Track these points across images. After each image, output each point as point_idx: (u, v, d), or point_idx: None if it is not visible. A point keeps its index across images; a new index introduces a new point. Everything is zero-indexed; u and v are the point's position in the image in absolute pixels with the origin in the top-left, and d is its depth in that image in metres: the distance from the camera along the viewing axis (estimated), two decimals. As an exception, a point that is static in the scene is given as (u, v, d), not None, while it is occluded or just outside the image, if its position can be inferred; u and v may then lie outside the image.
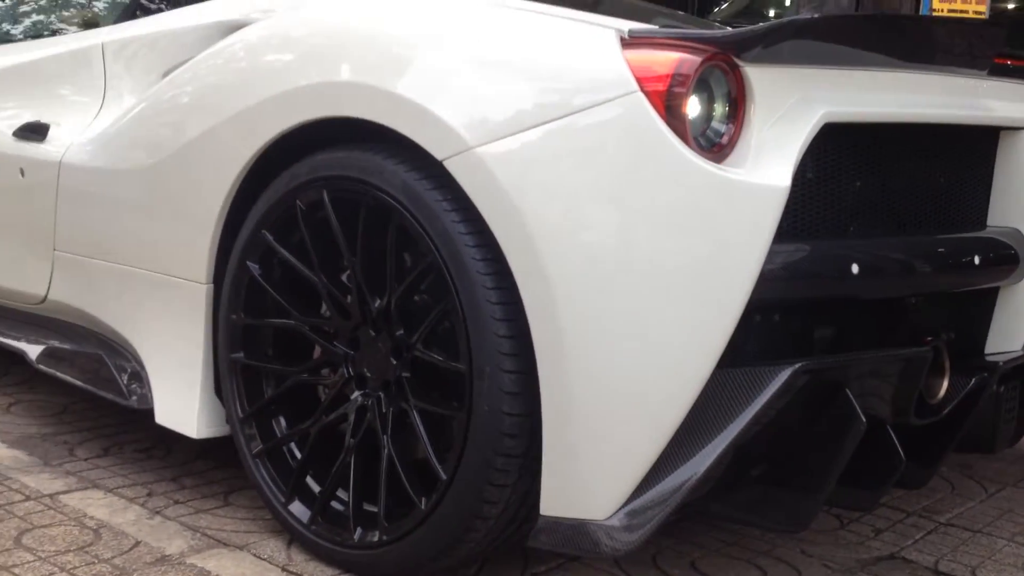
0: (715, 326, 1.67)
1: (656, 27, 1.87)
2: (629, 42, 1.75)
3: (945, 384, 2.03)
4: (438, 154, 1.84)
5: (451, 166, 1.82)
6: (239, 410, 2.19)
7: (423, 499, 1.91)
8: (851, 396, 1.79)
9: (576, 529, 1.76)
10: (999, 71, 2.13)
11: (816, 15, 1.82)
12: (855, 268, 1.82)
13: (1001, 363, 2.11)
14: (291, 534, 2.11)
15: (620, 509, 1.73)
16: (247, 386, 2.20)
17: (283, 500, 2.12)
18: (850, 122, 1.84)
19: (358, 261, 1.99)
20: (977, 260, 2.05)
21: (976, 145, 2.15)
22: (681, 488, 1.71)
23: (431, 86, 1.86)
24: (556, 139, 1.74)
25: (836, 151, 1.87)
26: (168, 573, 1.93)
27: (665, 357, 1.69)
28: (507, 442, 1.79)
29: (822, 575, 2.14)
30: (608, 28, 1.78)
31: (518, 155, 1.76)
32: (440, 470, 1.87)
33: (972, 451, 2.37)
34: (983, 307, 2.20)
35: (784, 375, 1.69)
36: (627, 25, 1.80)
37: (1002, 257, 2.13)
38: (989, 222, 2.21)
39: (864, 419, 1.78)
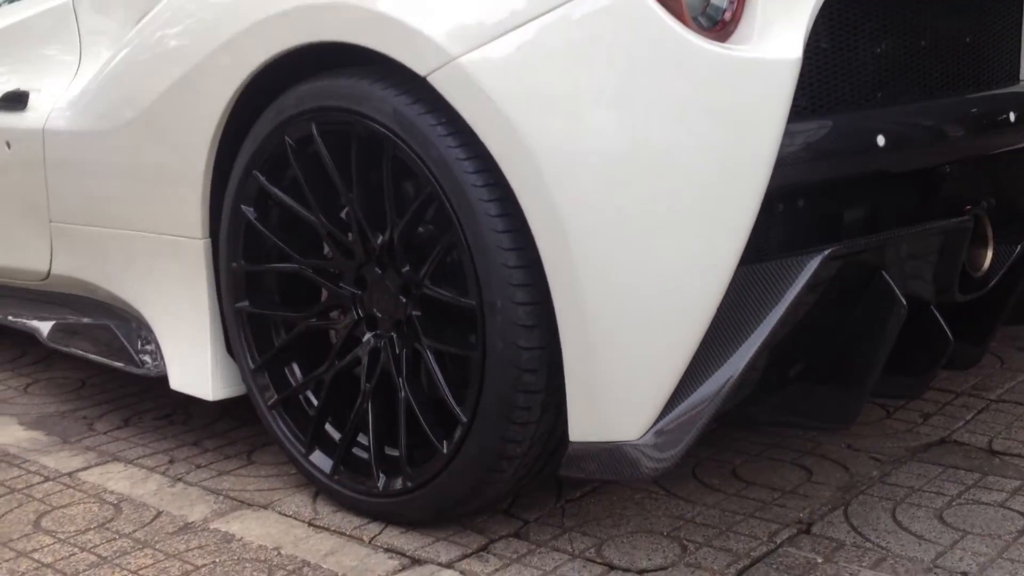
0: (734, 220, 1.54)
1: None
2: None
3: (989, 255, 1.89)
4: (420, 69, 1.71)
5: (436, 81, 1.69)
6: (250, 361, 2.10)
7: (445, 442, 1.82)
8: (889, 279, 1.66)
9: (610, 453, 1.65)
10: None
11: None
12: (881, 140, 1.67)
13: (1049, 227, 1.97)
14: (316, 486, 2.03)
15: (653, 426, 1.62)
16: (256, 336, 2.10)
17: (303, 451, 2.04)
18: (862, -18, 1.69)
19: (355, 197, 1.87)
20: (1012, 117, 1.90)
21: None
22: (715, 397, 1.60)
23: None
24: (545, 37, 1.60)
25: (851, 14, 1.72)
26: (191, 541, 1.86)
27: (684, 259, 1.56)
28: (526, 377, 1.69)
29: (871, 468, 2.04)
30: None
31: (506, 60, 1.62)
32: (459, 412, 1.77)
33: (1022, 322, 2.24)
34: (1022, 170, 2.05)
35: (814, 264, 1.56)
36: None
37: (1041, 113, 1.98)
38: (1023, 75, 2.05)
39: (905, 302, 1.65)
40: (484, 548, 1.81)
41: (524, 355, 1.68)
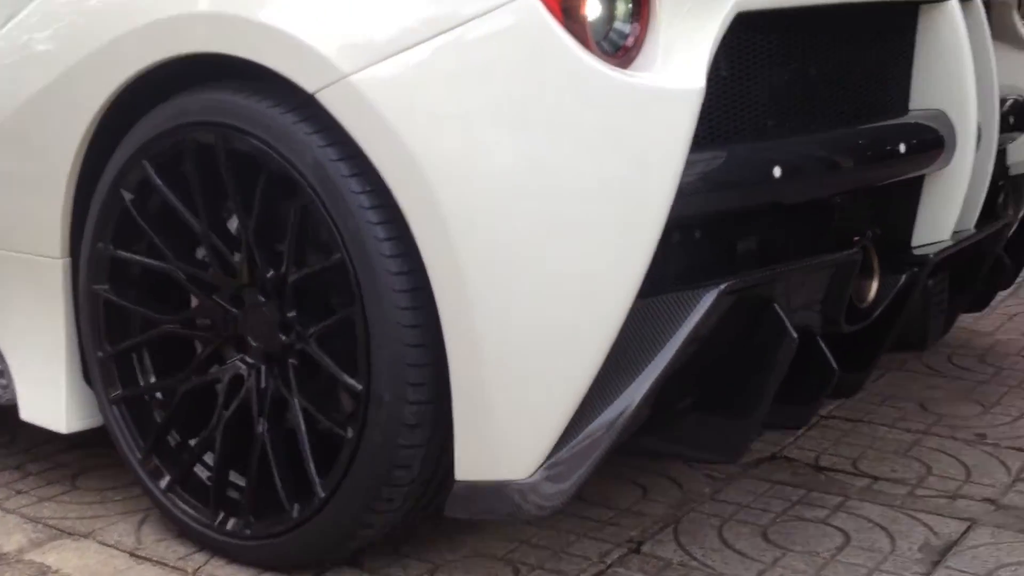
0: (633, 252, 1.50)
1: None
2: None
3: (875, 286, 1.90)
4: (308, 86, 1.61)
5: (324, 99, 1.60)
6: (99, 349, 1.96)
7: (296, 505, 1.76)
8: (780, 311, 1.65)
9: (497, 492, 1.59)
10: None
11: None
12: (777, 171, 1.65)
13: (931, 256, 1.98)
14: (147, 496, 1.93)
15: (544, 464, 1.57)
16: (110, 325, 1.96)
17: (140, 457, 1.93)
18: (764, 9, 1.66)
19: (246, 215, 1.76)
20: (903, 148, 1.90)
21: (895, 23, 1.98)
22: (608, 433, 1.56)
23: (296, 8, 1.62)
24: (443, 56, 1.52)
25: (750, 43, 1.69)
26: (5, 573, 1.75)
27: (581, 291, 1.51)
28: (398, 472, 1.66)
29: (704, 485, 2.08)
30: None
31: (401, 79, 1.54)
32: (318, 485, 1.71)
33: (903, 349, 2.27)
34: (909, 197, 2.06)
35: (709, 299, 1.54)
36: None
37: (927, 142, 1.98)
38: (912, 105, 2.06)
39: (795, 335, 1.64)
40: (316, 576, 1.75)
41: (402, 451, 1.63)
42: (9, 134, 2.02)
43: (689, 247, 1.65)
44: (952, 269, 2.23)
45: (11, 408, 2.09)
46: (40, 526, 1.93)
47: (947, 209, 2.07)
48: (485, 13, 1.51)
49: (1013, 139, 2.46)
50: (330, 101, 1.59)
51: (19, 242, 2.06)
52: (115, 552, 1.84)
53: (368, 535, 1.76)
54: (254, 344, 1.82)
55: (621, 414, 1.55)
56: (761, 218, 1.75)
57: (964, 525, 1.93)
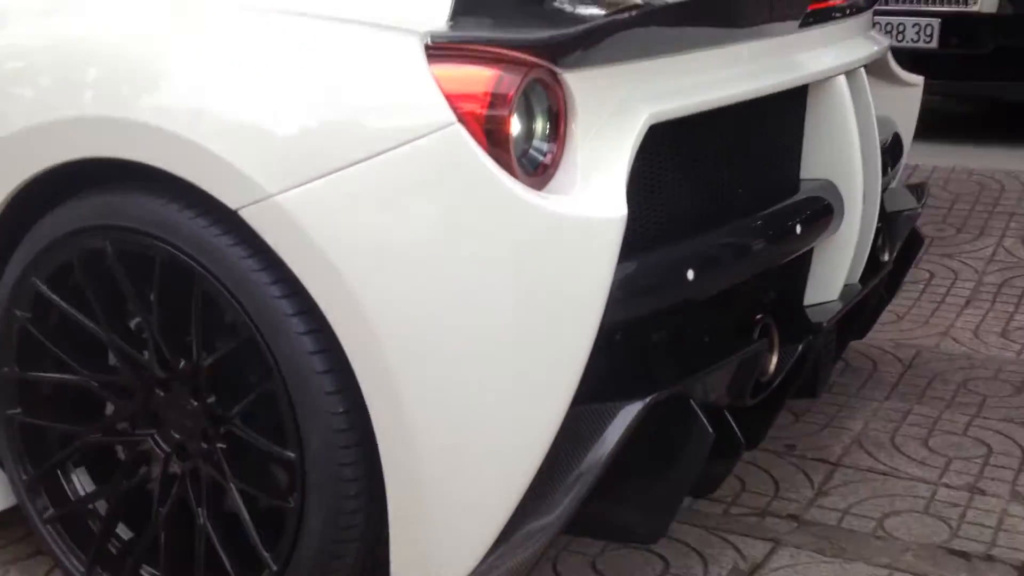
0: (561, 373, 1.55)
1: (463, 31, 1.62)
2: (435, 51, 1.55)
3: (775, 360, 2.00)
4: (231, 203, 1.60)
5: (248, 216, 1.59)
6: (22, 473, 1.94)
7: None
8: (696, 409, 1.73)
9: (431, 592, 1.65)
10: (809, 22, 2.04)
11: (634, 12, 1.65)
12: (690, 274, 1.73)
13: (824, 323, 2.10)
14: None
15: (477, 567, 1.63)
16: (29, 446, 1.94)
17: (83, 569, 1.91)
18: (674, 118, 1.72)
19: (155, 320, 1.75)
20: (799, 229, 2.01)
21: (788, 105, 2.07)
22: (540, 534, 1.62)
23: (217, 124, 1.60)
24: (371, 180, 1.53)
25: (659, 151, 1.75)
26: None
27: (511, 411, 1.56)
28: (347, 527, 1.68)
29: None
30: (407, 38, 1.56)
31: (324, 202, 1.55)
32: (270, 560, 1.72)
33: (797, 398, 2.40)
34: (801, 262, 2.18)
35: (636, 410, 1.61)
36: (431, 22, 1.58)
37: (819, 214, 2.10)
38: (803, 175, 2.16)
39: (711, 431, 1.73)
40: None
41: (345, 515, 1.66)
42: None
43: (611, 352, 1.71)
44: (840, 320, 2.36)
45: None
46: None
47: (836, 270, 2.19)
48: (411, 140, 1.52)
49: (892, 178, 2.61)
50: (253, 219, 1.59)
51: None
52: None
53: None
54: (178, 437, 1.81)
55: (551, 521, 1.61)
56: (680, 316, 1.83)
57: (768, 547, 2.08)
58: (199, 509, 1.79)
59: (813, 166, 2.15)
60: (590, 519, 1.82)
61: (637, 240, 1.70)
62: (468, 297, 1.52)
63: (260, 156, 1.58)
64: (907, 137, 2.89)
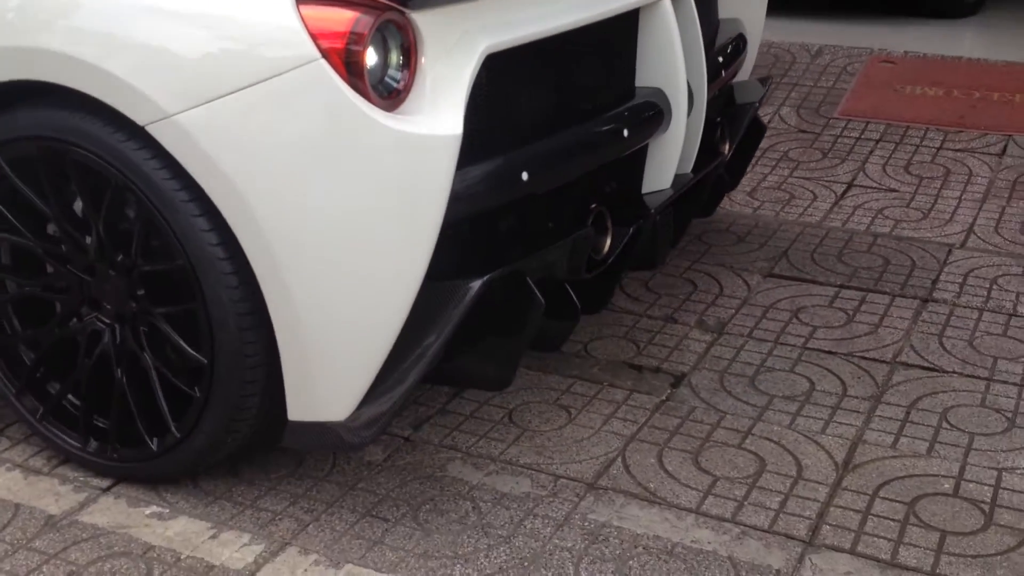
0: (414, 255, 1.96)
1: None
2: None
3: (609, 241, 2.42)
4: (140, 121, 1.97)
5: (155, 131, 1.96)
6: None
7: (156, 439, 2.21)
8: (531, 283, 2.15)
9: (321, 430, 2.08)
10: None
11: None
12: (525, 175, 2.13)
13: (653, 209, 2.52)
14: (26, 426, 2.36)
15: (357, 409, 2.06)
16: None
17: (14, 391, 2.34)
18: (508, 48, 2.08)
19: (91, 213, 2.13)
20: (631, 129, 2.41)
21: (621, 28, 2.44)
22: (404, 383, 2.05)
23: (126, 54, 1.95)
24: (252, 104, 1.90)
25: (497, 73, 2.12)
26: None
27: (374, 287, 1.98)
28: (248, 380, 2.09)
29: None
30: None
31: (216, 122, 1.92)
32: (174, 428, 2.16)
33: (639, 268, 2.83)
34: (638, 157, 2.58)
35: (476, 287, 2.03)
36: None
37: (648, 117, 2.50)
38: (637, 84, 2.55)
39: (543, 300, 2.15)
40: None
41: (248, 361, 2.07)
42: None
43: (461, 239, 2.12)
44: (676, 201, 2.78)
45: None
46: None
47: (667, 163, 2.61)
48: (284, 72, 1.89)
49: (729, 78, 3.00)
50: (159, 134, 1.96)
51: None
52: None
53: (215, 459, 2.22)
54: (107, 307, 2.21)
55: (413, 371, 2.05)
56: (519, 208, 2.23)
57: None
58: (117, 368, 2.20)
59: (646, 76, 2.54)
60: (452, 371, 2.26)
61: (480, 149, 2.09)
62: (333, 198, 1.92)
63: (161, 81, 1.94)
64: (754, 39, 3.28)
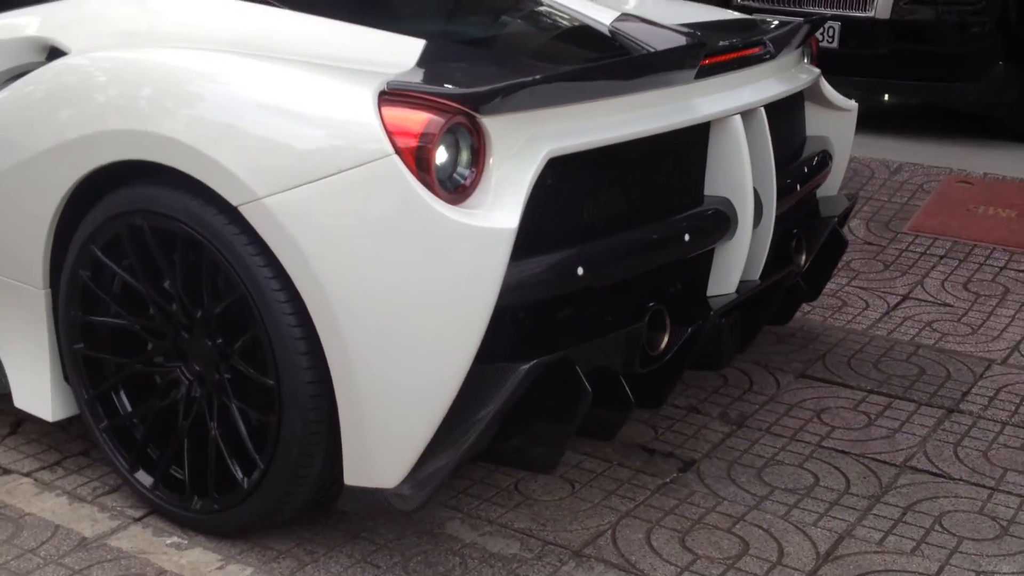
0: (465, 338, 2.12)
1: (413, 79, 2.20)
2: (388, 95, 2.12)
3: (666, 338, 2.53)
4: (233, 201, 2.20)
5: (245, 212, 2.19)
6: (84, 392, 2.59)
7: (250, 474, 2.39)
8: (580, 373, 2.28)
9: (372, 495, 2.24)
10: (705, 73, 2.55)
11: (542, 74, 2.21)
12: (580, 271, 2.28)
13: (712, 312, 2.63)
14: (140, 500, 2.58)
15: (406, 478, 2.21)
16: (90, 372, 2.58)
17: (128, 467, 2.56)
18: (572, 152, 2.26)
19: (179, 283, 2.37)
20: (693, 234, 2.54)
21: (690, 139, 2.59)
22: (453, 457, 2.20)
23: (225, 140, 2.20)
24: (326, 192, 2.13)
25: (562, 175, 2.29)
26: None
27: (429, 364, 2.14)
28: (311, 440, 2.27)
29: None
30: (365, 88, 2.13)
31: (299, 206, 2.14)
32: (259, 460, 2.33)
33: (702, 369, 2.93)
34: (704, 260, 2.70)
35: (523, 371, 2.17)
36: (389, 74, 2.15)
37: (714, 225, 2.63)
38: (706, 192, 2.68)
39: (590, 390, 2.28)
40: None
41: (311, 427, 2.24)
42: (4, 188, 2.59)
43: (516, 324, 2.27)
44: (746, 305, 2.87)
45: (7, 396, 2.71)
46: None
47: (732, 269, 2.71)
48: (362, 164, 2.10)
49: (805, 192, 3.10)
50: (249, 214, 2.19)
51: (11, 271, 2.65)
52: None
53: (297, 500, 2.36)
54: (198, 368, 2.43)
55: (461, 446, 2.19)
56: (575, 299, 2.37)
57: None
58: (211, 423, 2.41)
59: (714, 185, 2.67)
60: (504, 452, 2.40)
61: (538, 244, 2.25)
62: (395, 280, 2.11)
63: (254, 167, 2.17)
64: (842, 154, 3.38)
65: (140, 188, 2.38)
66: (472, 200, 2.16)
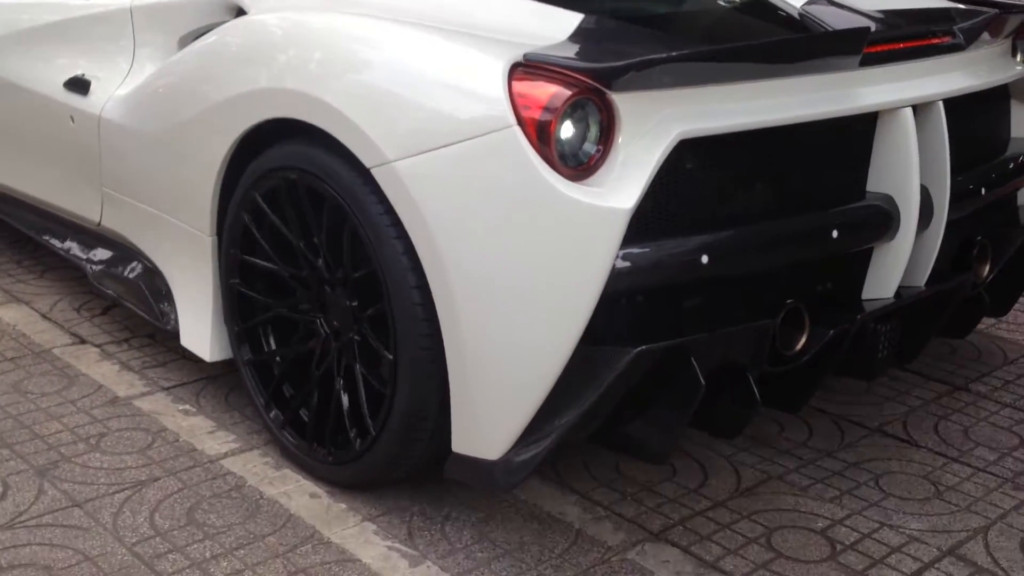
0: (571, 317, 2.08)
1: (551, 52, 2.15)
2: (523, 67, 2.11)
3: (803, 338, 2.39)
4: (367, 163, 2.26)
5: (376, 174, 2.24)
6: (236, 325, 2.74)
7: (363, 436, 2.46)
8: (695, 364, 2.19)
9: (475, 464, 2.25)
10: (873, 60, 2.39)
11: (678, 52, 2.13)
12: (704, 259, 2.19)
13: (858, 317, 2.46)
14: (270, 434, 2.72)
15: (508, 452, 2.21)
16: (242, 307, 2.72)
17: (263, 402, 2.68)
18: (708, 135, 2.17)
19: (323, 240, 2.46)
20: (843, 231, 2.39)
21: (850, 129, 2.43)
22: (552, 436, 2.17)
23: (364, 103, 2.26)
24: (453, 160, 2.14)
25: (697, 158, 2.21)
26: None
27: (534, 339, 2.12)
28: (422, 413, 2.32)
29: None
30: (498, 59, 2.12)
31: (424, 171, 2.17)
32: (371, 426, 2.39)
33: (852, 377, 2.75)
34: (859, 261, 2.53)
35: (631, 355, 2.11)
36: (534, 45, 2.15)
37: (871, 223, 2.46)
38: (868, 188, 2.51)
39: (703, 382, 2.18)
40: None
41: (426, 386, 2.28)
42: (177, 139, 2.78)
43: (635, 308, 2.22)
44: (909, 315, 2.67)
45: (175, 333, 2.96)
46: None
47: (890, 273, 2.53)
48: (485, 134, 2.10)
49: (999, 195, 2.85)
50: (380, 177, 2.24)
51: (185, 217, 2.83)
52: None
53: (406, 466, 2.43)
54: (335, 323, 2.51)
55: (562, 426, 2.16)
56: (700, 288, 2.28)
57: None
58: (337, 378, 2.49)
59: (878, 181, 2.49)
60: (618, 436, 2.35)
61: (661, 228, 2.18)
62: (507, 250, 2.10)
63: (386, 131, 2.22)
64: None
65: (297, 146, 2.47)
66: (595, 178, 2.11)
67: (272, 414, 2.68)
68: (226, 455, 2.69)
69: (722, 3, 2.91)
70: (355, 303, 2.44)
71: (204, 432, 2.80)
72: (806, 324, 2.41)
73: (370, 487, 2.53)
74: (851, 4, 2.71)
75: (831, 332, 2.43)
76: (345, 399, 2.50)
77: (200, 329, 2.85)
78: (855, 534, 2.46)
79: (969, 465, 2.74)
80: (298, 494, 2.53)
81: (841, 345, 2.46)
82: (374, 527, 2.41)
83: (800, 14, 2.62)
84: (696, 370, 2.20)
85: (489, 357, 2.17)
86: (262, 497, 2.51)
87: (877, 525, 2.48)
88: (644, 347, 2.12)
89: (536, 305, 2.10)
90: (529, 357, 2.14)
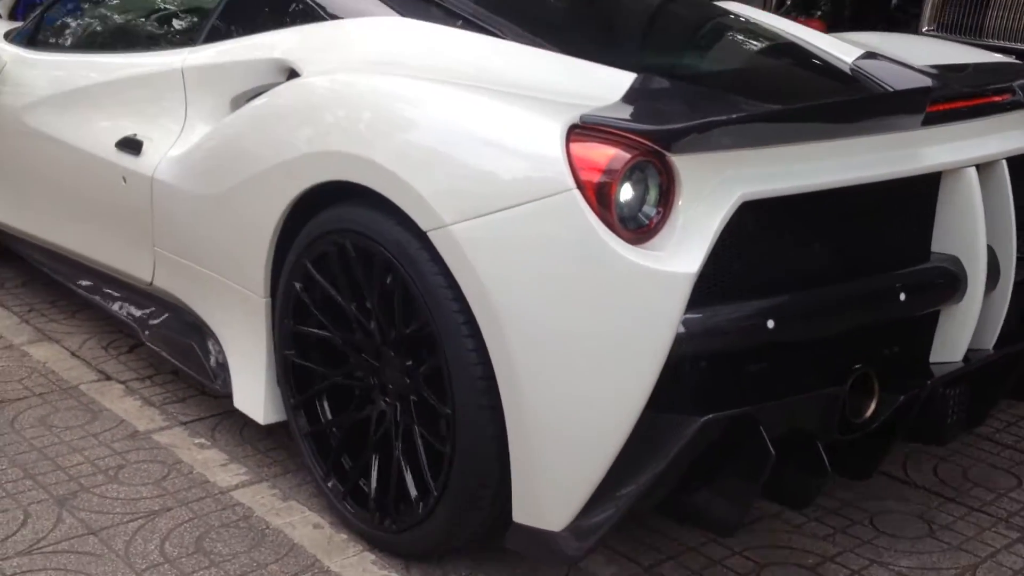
0: (636, 381, 2.03)
1: (608, 114, 2.12)
2: (580, 128, 2.08)
3: (873, 405, 2.32)
4: (423, 226, 2.23)
5: (433, 237, 2.21)
6: (292, 398, 2.70)
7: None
8: (763, 433, 2.12)
9: (537, 535, 2.19)
10: (936, 120, 2.33)
11: (738, 114, 2.09)
12: (771, 324, 2.13)
13: (929, 382, 2.39)
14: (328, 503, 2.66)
15: (573, 522, 2.15)
16: (298, 378, 2.69)
17: (322, 474, 2.64)
18: (771, 197, 2.12)
19: (376, 303, 2.42)
20: (910, 293, 2.33)
21: (914, 190, 2.37)
22: (622, 506, 2.11)
23: (420, 167, 2.23)
24: (512, 223, 2.10)
25: (761, 220, 2.16)
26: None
27: (598, 408, 2.07)
28: (482, 472, 2.26)
29: None
30: (555, 121, 2.09)
31: (482, 235, 2.13)
32: (432, 486, 2.34)
33: (922, 442, 2.67)
34: (926, 323, 2.47)
35: (698, 425, 2.05)
36: (589, 106, 2.11)
37: (938, 285, 2.40)
38: (934, 248, 2.45)
39: (773, 452, 2.12)
40: None
41: (484, 459, 2.22)
42: (230, 202, 2.77)
43: (698, 374, 2.15)
44: (978, 379, 2.59)
45: (227, 395, 2.94)
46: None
47: (958, 335, 2.46)
48: (544, 197, 2.07)
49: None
50: (436, 240, 2.20)
51: (238, 279, 2.81)
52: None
53: (468, 529, 2.35)
54: (390, 386, 2.47)
55: (628, 497, 2.10)
56: (766, 354, 2.22)
57: None
58: (396, 443, 2.44)
59: (943, 242, 2.43)
60: (684, 506, 2.28)
61: (726, 292, 2.13)
62: (569, 314, 2.05)
63: (443, 194, 2.19)
64: None
65: (348, 208, 2.46)
66: (655, 241, 2.07)
67: (331, 484, 2.63)
68: (236, 487, 2.78)
69: (772, 60, 2.87)
70: (410, 362, 2.40)
71: (217, 465, 2.88)
72: (875, 390, 2.34)
73: (434, 553, 2.46)
74: (903, 59, 2.67)
75: (901, 398, 2.36)
76: (404, 466, 2.44)
77: (254, 391, 2.82)
78: (844, 571, 2.49)
79: (965, 505, 2.77)
80: (302, 524, 2.62)
81: (911, 411, 2.39)
82: (372, 557, 2.49)
83: (852, 69, 2.58)
84: (765, 439, 2.13)
85: (550, 426, 2.11)
86: (268, 527, 2.60)
87: (867, 562, 2.52)
88: (712, 416, 2.06)
89: (599, 370, 2.05)
90: (592, 425, 2.08)
